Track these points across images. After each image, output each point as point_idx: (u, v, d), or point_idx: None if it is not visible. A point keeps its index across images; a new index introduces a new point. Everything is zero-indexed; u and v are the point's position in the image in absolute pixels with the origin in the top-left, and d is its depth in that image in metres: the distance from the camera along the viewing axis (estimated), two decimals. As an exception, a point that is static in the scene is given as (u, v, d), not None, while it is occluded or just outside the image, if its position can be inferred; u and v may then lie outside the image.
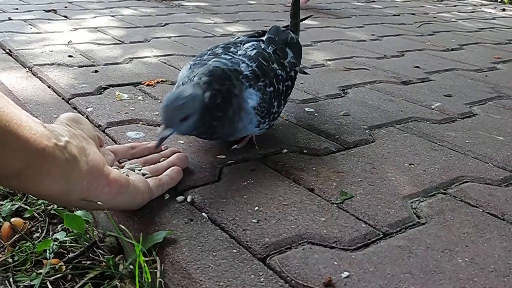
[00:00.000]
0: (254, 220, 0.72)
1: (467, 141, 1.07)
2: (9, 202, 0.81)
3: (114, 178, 0.64)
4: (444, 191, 0.86)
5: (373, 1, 3.45)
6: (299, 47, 1.08)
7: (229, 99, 0.85)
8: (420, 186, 0.86)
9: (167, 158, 0.83)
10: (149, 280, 0.59)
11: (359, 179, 0.87)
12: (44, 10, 2.36)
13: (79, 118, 0.69)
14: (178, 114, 0.78)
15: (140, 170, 0.76)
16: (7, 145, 0.51)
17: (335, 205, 0.78)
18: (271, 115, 0.94)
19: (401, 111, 1.23)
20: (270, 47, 1.00)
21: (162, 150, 0.86)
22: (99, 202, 0.62)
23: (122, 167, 0.77)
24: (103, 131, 1.01)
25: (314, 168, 0.90)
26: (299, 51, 1.08)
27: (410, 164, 0.94)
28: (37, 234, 0.77)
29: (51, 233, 0.78)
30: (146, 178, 0.74)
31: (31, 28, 1.95)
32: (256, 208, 0.75)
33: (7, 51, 1.59)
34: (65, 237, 0.74)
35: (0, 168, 0.51)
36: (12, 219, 0.77)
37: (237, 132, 0.91)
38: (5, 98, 0.53)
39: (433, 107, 1.27)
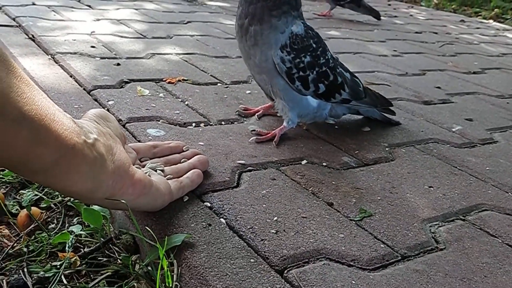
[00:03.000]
0: (272, 231, 0.71)
1: (487, 168, 1.06)
2: (30, 191, 0.81)
3: (138, 178, 0.64)
4: (463, 218, 0.85)
5: (395, 17, 3.44)
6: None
7: None
8: (439, 210, 0.85)
9: (188, 159, 0.82)
10: (170, 285, 0.58)
11: (379, 198, 0.86)
12: (68, -3, 2.37)
13: (106, 115, 0.69)
14: None
15: (162, 171, 0.75)
16: (39, 139, 0.50)
17: (354, 222, 0.77)
18: (305, 71, 1.00)
19: (422, 131, 1.22)
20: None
21: (183, 151, 0.85)
22: (122, 201, 0.62)
23: (144, 166, 0.76)
24: (124, 126, 1.00)
25: (333, 182, 0.89)
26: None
27: (429, 187, 0.93)
28: (53, 225, 0.77)
29: (66, 225, 0.78)
30: (167, 179, 0.73)
31: (54, 15, 1.95)
32: (275, 218, 0.74)
33: (30, 36, 1.59)
34: (80, 230, 0.73)
35: (30, 163, 0.51)
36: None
37: (264, 26, 0.97)
38: (39, 91, 0.53)
39: (453, 130, 1.26)
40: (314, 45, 1.00)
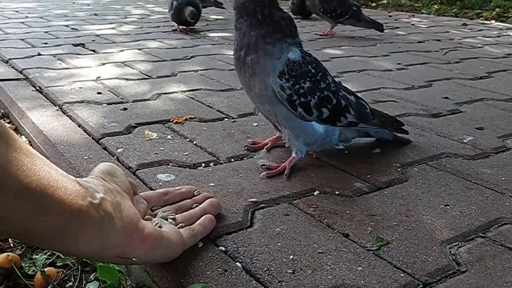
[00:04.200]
0: (289, 271, 0.70)
1: (503, 178, 1.04)
2: (43, 254, 0.81)
3: (148, 233, 0.64)
4: (483, 235, 0.83)
5: (397, 28, 3.44)
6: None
7: (278, 14, 0.99)
8: (458, 230, 0.84)
9: (200, 203, 0.82)
10: None
11: (394, 223, 0.85)
12: (72, 44, 2.41)
13: (113, 170, 0.69)
14: None
15: (173, 219, 0.75)
16: (43, 209, 0.51)
17: (372, 252, 0.76)
18: (306, 97, 0.99)
19: (433, 146, 1.21)
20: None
21: (194, 196, 0.85)
22: (133, 259, 0.61)
23: (155, 216, 0.76)
24: (134, 173, 1.01)
25: (347, 211, 0.88)
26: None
27: (445, 205, 0.92)
28: (70, 284, 0.77)
29: (84, 282, 0.77)
30: (179, 227, 0.73)
31: (60, 64, 1.98)
32: (291, 257, 0.73)
33: (38, 88, 1.62)
34: (98, 287, 0.73)
35: (35, 232, 0.51)
36: (45, 269, 0.77)
37: (259, 54, 0.98)
38: (41, 159, 0.53)
39: (465, 141, 1.25)
40: (313, 70, 1.01)
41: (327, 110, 1.02)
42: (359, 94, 1.61)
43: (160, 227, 0.70)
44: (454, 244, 0.80)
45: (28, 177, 0.49)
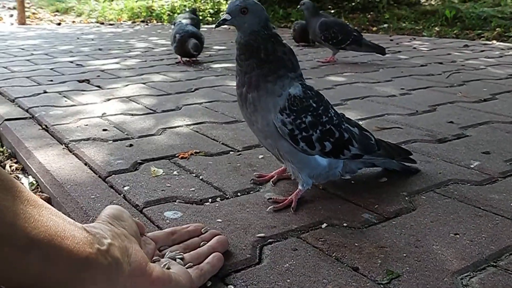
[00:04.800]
0: (300, 308, 0.70)
1: (511, 203, 1.04)
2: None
3: (156, 276, 0.64)
4: (495, 263, 0.82)
5: (399, 52, 3.46)
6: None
7: (280, 49, 1.00)
8: (469, 259, 0.83)
9: (208, 241, 0.82)
10: None
11: (404, 254, 0.84)
12: (77, 81, 2.43)
13: (120, 214, 0.69)
14: (240, 5, 0.97)
15: (181, 259, 0.75)
16: (51, 260, 0.51)
17: (382, 286, 0.75)
18: (307, 131, 1.00)
19: (440, 173, 1.20)
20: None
21: (202, 233, 0.85)
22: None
23: (163, 256, 0.76)
24: (141, 211, 1.01)
25: (356, 244, 0.87)
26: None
27: (455, 234, 0.91)
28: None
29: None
30: (187, 267, 0.73)
31: (66, 101, 1.99)
32: (301, 294, 0.73)
33: (44, 126, 1.63)
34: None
35: (43, 283, 0.51)
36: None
37: (261, 93, 0.99)
38: (48, 208, 0.53)
39: (472, 166, 1.25)
40: (314, 105, 1.01)
41: (329, 144, 1.02)
42: (363, 122, 1.63)
43: (168, 268, 0.69)
44: (466, 274, 0.79)
45: (36, 228, 0.50)
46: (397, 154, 1.16)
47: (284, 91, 0.99)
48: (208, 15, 6.59)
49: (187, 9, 5.92)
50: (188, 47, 2.85)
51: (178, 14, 6.37)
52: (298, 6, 3.07)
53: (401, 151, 1.19)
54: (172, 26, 3.34)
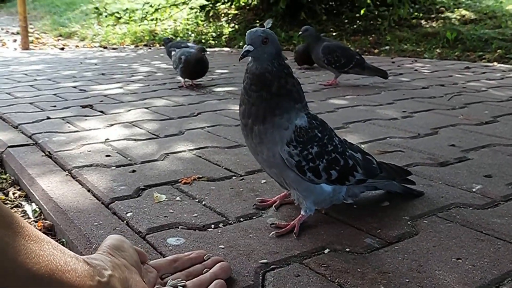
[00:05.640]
0: (302, 336, 0.69)
1: (514, 228, 1.04)
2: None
3: (158, 305, 0.64)
4: (497, 289, 0.82)
5: (401, 74, 3.48)
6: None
7: (290, 81, 1.00)
8: (471, 285, 0.83)
9: (210, 268, 0.82)
10: None
11: (407, 280, 0.84)
12: (80, 106, 2.44)
13: (121, 244, 0.69)
14: (262, 35, 0.97)
15: (183, 286, 0.75)
16: None
17: (385, 313, 0.75)
18: (314, 161, 1.00)
19: (442, 197, 1.20)
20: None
21: (204, 260, 0.85)
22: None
23: (165, 284, 0.76)
24: (144, 238, 1.01)
25: (359, 270, 0.87)
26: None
27: (457, 259, 0.91)
28: None
29: None
30: (189, 295, 0.73)
31: (69, 127, 2.01)
32: (304, 321, 0.73)
33: (47, 153, 1.64)
34: None
35: None
36: None
37: (267, 126, 0.99)
38: (49, 243, 0.54)
39: (474, 190, 1.25)
40: (319, 134, 1.02)
41: (335, 172, 1.03)
42: (365, 145, 1.64)
43: (170, 296, 0.70)
44: (469, 300, 0.79)
45: (37, 264, 0.50)
46: (398, 175, 1.17)
47: (291, 124, 1.00)
48: (211, 38, 6.64)
49: (193, 39, 6.03)
50: (195, 56, 2.85)
51: (181, 38, 6.43)
52: (300, 33, 3.10)
53: (401, 171, 1.19)
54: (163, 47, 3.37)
